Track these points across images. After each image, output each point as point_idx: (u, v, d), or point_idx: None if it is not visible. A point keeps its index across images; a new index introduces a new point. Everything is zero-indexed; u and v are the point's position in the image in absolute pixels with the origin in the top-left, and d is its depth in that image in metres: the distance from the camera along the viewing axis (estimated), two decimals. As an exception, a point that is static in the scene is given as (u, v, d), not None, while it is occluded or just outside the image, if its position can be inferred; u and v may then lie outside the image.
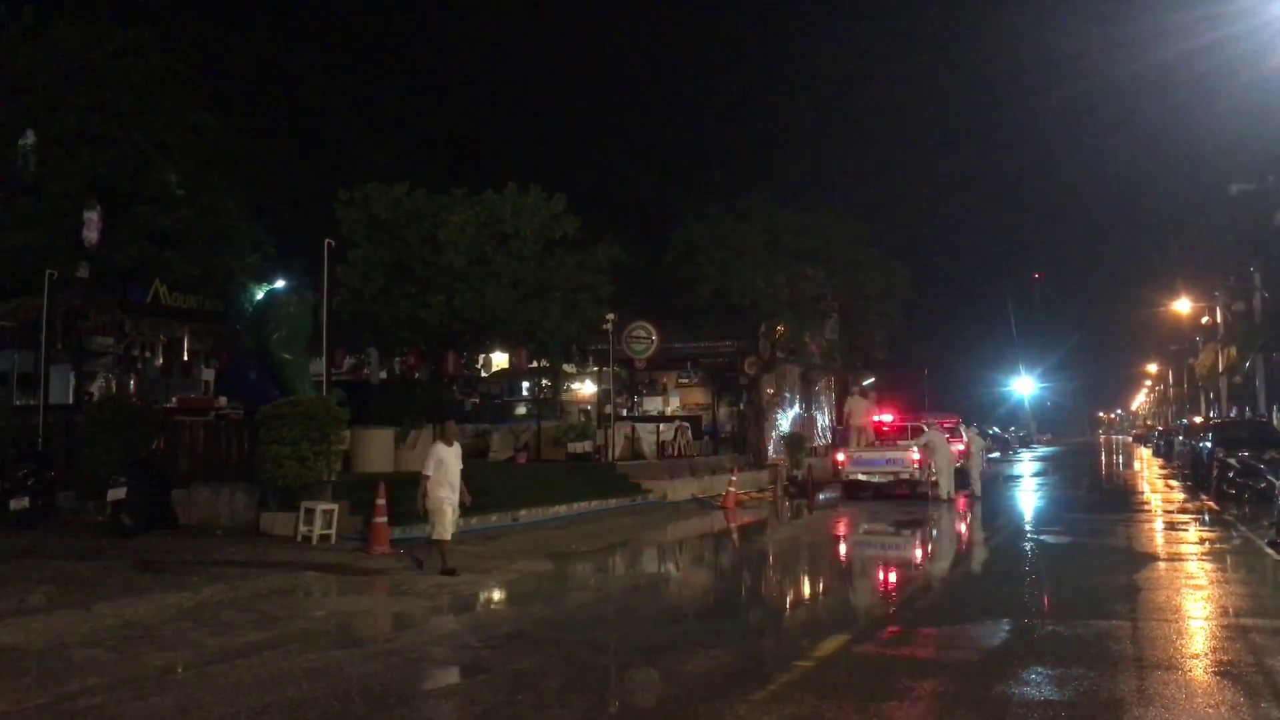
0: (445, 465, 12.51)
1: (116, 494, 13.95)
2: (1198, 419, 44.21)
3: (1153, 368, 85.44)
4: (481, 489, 18.64)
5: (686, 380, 34.58)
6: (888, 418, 31.07)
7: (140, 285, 19.31)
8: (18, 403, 20.19)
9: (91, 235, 18.11)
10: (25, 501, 14.72)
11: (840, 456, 26.54)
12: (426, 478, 12.37)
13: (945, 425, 30.18)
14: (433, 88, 43.34)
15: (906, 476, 24.36)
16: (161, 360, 21.62)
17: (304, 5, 43.23)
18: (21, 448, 16.25)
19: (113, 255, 19.02)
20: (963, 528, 19.88)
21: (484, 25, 61.12)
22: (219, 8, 32.64)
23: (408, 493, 15.81)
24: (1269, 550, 14.49)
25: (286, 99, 33.20)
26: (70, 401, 19.63)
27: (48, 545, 12.91)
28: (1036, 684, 7.35)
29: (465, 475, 12.87)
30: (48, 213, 18.75)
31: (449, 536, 12.55)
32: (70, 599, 9.74)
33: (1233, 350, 43.91)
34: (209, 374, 23.84)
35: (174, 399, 20.36)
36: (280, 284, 20.63)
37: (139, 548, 12.82)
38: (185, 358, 21.77)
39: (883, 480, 24.60)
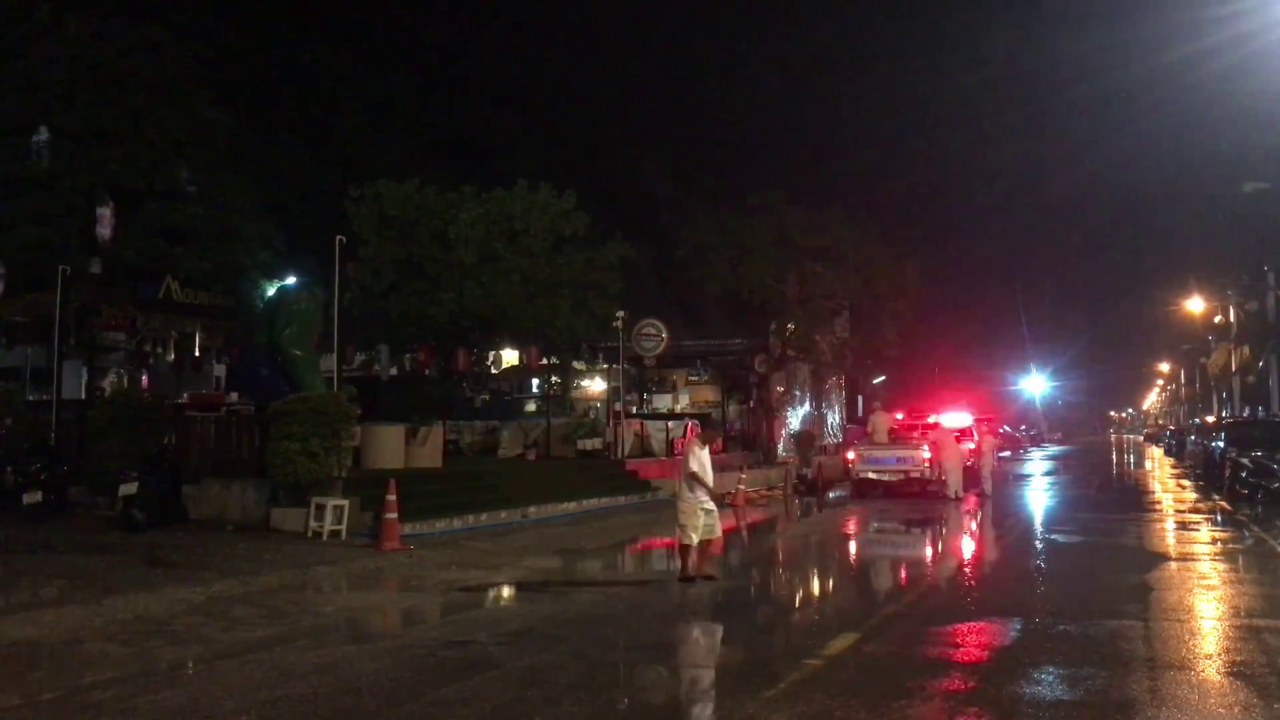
0: (706, 468, 11.85)
1: (128, 489, 14.00)
2: (1210, 418, 44.01)
3: (1165, 367, 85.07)
4: (491, 485, 18.75)
5: (696, 378, 34.57)
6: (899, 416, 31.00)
7: (152, 281, 19.40)
8: (31, 398, 20.32)
9: (104, 231, 18.21)
10: (38, 496, 14.78)
11: (850, 455, 26.47)
12: (692, 473, 11.71)
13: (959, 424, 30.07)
14: (443, 85, 43.33)
15: (917, 475, 24.30)
16: (173, 356, 21.72)
17: (316, 3, 43.30)
18: (34, 442, 16.32)
19: (125, 251, 19.13)
20: (973, 526, 19.81)
21: (494, 23, 61.16)
22: (231, 5, 32.75)
23: (417, 489, 15.92)
24: (1282, 550, 14.42)
25: (298, 96, 33.32)
26: (82, 397, 19.72)
27: (60, 539, 12.96)
28: (1047, 683, 7.32)
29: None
30: (61, 209, 18.87)
31: (696, 541, 11.77)
32: (82, 593, 9.78)
33: (1246, 349, 43.71)
34: (220, 370, 23.98)
35: (185, 395, 20.47)
36: (291, 280, 20.66)
37: (150, 542, 12.86)
38: (196, 353, 21.87)
39: (893, 479, 24.55)
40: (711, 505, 11.84)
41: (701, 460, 11.85)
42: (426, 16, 53.63)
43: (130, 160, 19.40)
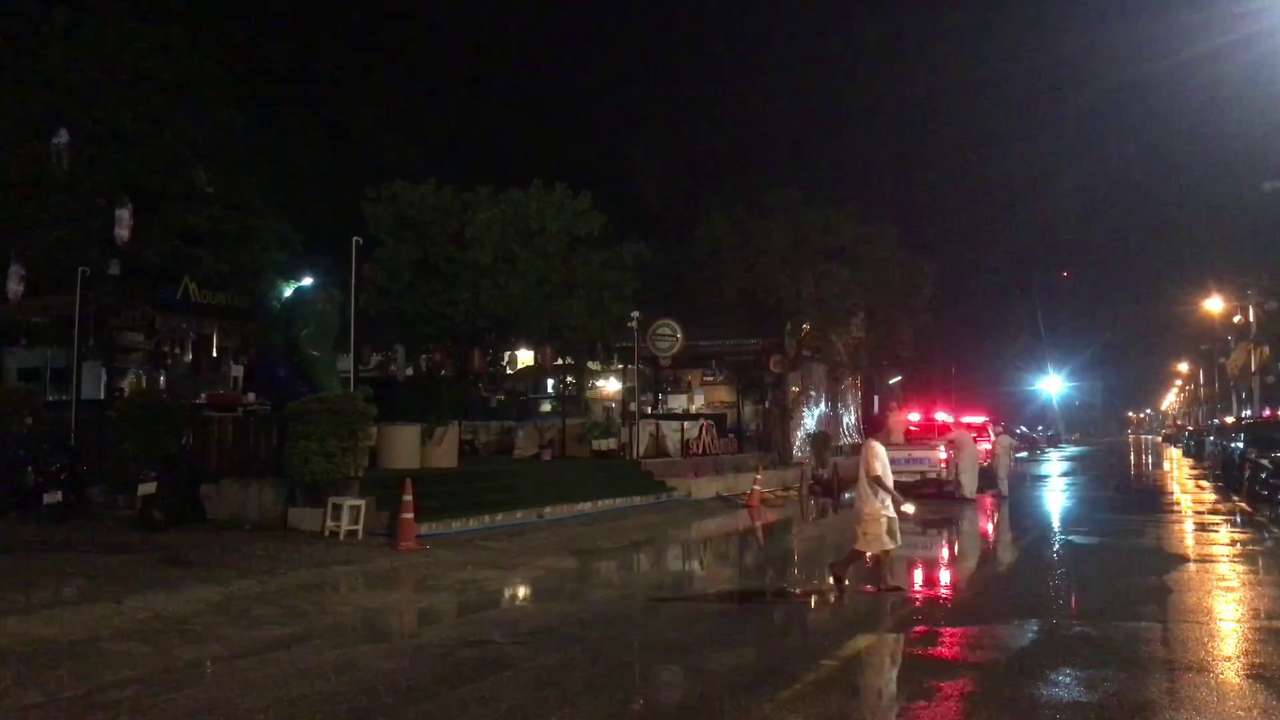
0: (889, 469, 10.89)
1: (147, 489, 14.09)
2: (1229, 419, 43.70)
3: (1183, 367, 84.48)
4: (506, 485, 18.79)
5: (711, 378, 34.55)
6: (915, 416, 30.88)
7: (170, 282, 19.51)
8: (51, 398, 20.45)
9: (123, 233, 18.32)
10: (58, 495, 14.89)
11: (866, 455, 26.37)
12: (877, 478, 10.70)
13: (974, 425, 29.97)
14: (459, 86, 43.49)
15: (934, 476, 24.19)
16: (191, 356, 21.84)
17: (332, 5, 43.51)
18: (54, 442, 16.45)
19: (143, 252, 19.26)
20: (989, 528, 19.74)
21: (510, 24, 61.29)
22: (248, 7, 32.92)
23: (433, 489, 15.97)
24: (1302, 552, 14.30)
25: (314, 97, 33.46)
26: (102, 397, 19.84)
27: (79, 539, 13.07)
28: (1065, 685, 7.29)
29: None
30: (80, 210, 19.01)
31: (892, 546, 10.90)
32: (102, 592, 9.85)
33: (1265, 349, 43.37)
34: (238, 370, 24.08)
35: (203, 395, 20.55)
36: (308, 281, 20.78)
37: (169, 542, 12.94)
38: (214, 354, 21.98)
39: (909, 480, 24.43)
40: (893, 512, 10.76)
41: (884, 460, 10.80)
42: (443, 18, 53.78)
43: (149, 162, 19.53)
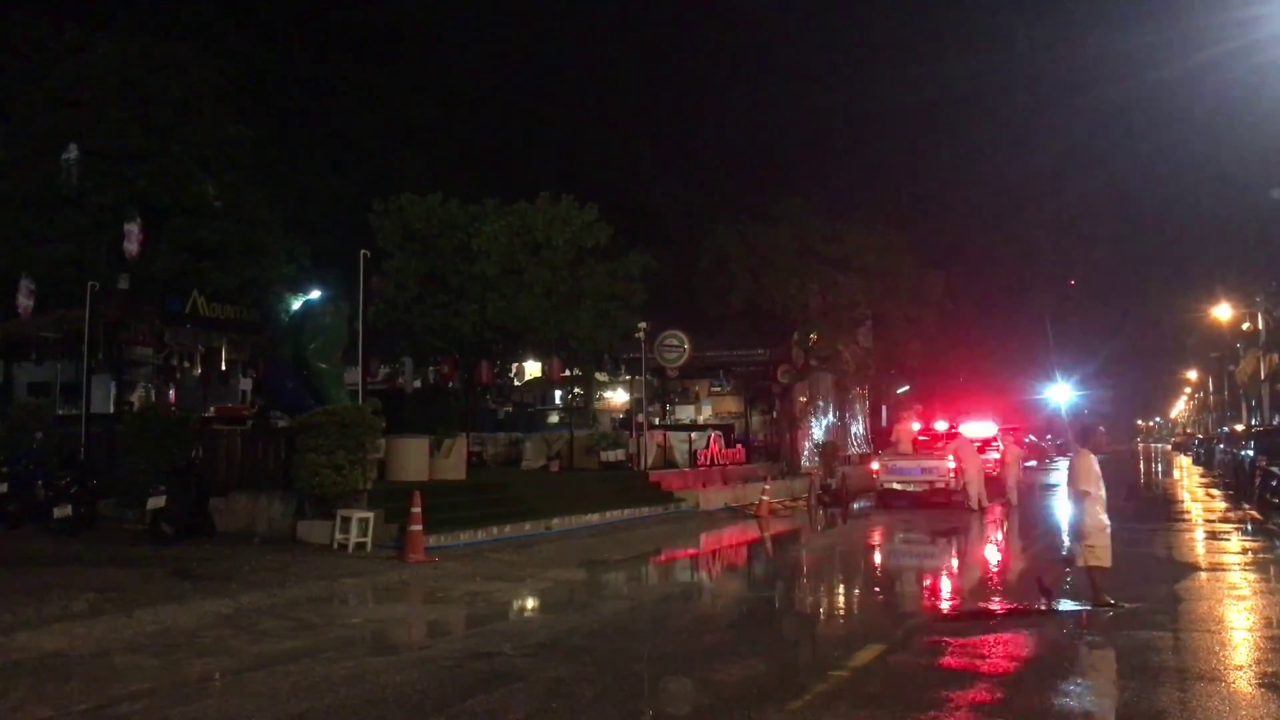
0: (1101, 478, 10.51)
1: (156, 502, 14.12)
2: (1239, 427, 43.51)
3: (1192, 375, 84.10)
4: (514, 497, 18.79)
5: (719, 388, 34.54)
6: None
7: (179, 296, 19.65)
8: (61, 412, 20.56)
9: (132, 247, 18.44)
10: (68, 509, 14.94)
11: (875, 465, 26.37)
12: (1087, 494, 10.37)
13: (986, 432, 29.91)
14: (465, 100, 43.64)
15: (942, 485, 24.14)
16: (200, 370, 21.94)
17: (339, 21, 43.76)
18: (64, 456, 16.54)
19: (152, 266, 19.39)
20: (999, 537, 19.67)
21: (515, 37, 61.55)
22: (256, 24, 33.13)
23: (442, 501, 15.98)
24: (1314, 560, 14.22)
25: (322, 112, 33.66)
26: (111, 411, 19.96)
27: (90, 552, 13.10)
28: (1076, 695, 7.26)
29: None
30: (90, 225, 19.16)
31: (1109, 562, 10.43)
32: (112, 606, 9.87)
33: (1275, 357, 43.22)
34: (246, 383, 24.19)
35: (212, 408, 20.64)
36: (316, 294, 20.87)
37: (178, 555, 12.97)
38: (223, 367, 22.07)
39: (917, 489, 24.40)
40: (1108, 521, 10.50)
41: (1098, 473, 10.48)
42: (448, 32, 54.05)
43: (158, 177, 19.68)
